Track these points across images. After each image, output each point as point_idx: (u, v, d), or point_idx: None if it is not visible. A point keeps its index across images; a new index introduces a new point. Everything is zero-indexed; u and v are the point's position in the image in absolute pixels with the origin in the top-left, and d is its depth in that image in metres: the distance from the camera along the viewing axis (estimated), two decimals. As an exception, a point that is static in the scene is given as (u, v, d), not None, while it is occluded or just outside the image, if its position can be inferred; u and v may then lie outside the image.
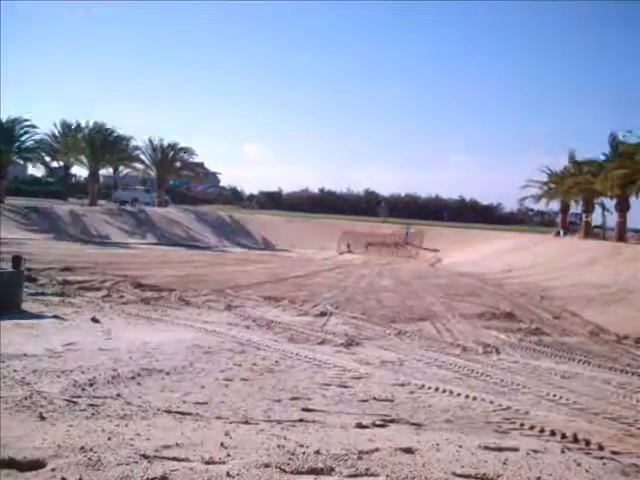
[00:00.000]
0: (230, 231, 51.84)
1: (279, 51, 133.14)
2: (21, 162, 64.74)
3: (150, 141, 63.52)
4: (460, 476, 4.94)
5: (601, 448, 6.52)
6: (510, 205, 79.44)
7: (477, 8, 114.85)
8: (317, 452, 5.23)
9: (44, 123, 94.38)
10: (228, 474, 4.52)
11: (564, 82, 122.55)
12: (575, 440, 6.78)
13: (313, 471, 4.82)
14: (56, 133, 63.12)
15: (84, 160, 60.96)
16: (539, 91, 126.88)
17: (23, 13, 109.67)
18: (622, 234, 44.16)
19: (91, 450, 4.86)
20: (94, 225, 47.50)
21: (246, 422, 6.68)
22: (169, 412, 6.97)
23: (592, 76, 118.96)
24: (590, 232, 49.37)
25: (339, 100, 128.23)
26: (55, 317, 13.22)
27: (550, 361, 11.80)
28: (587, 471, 5.34)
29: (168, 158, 63.76)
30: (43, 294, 16.26)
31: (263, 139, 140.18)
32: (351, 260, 38.61)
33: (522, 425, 7.35)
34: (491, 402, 8.40)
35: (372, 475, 4.84)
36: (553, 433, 7.02)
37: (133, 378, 8.55)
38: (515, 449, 5.93)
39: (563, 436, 6.90)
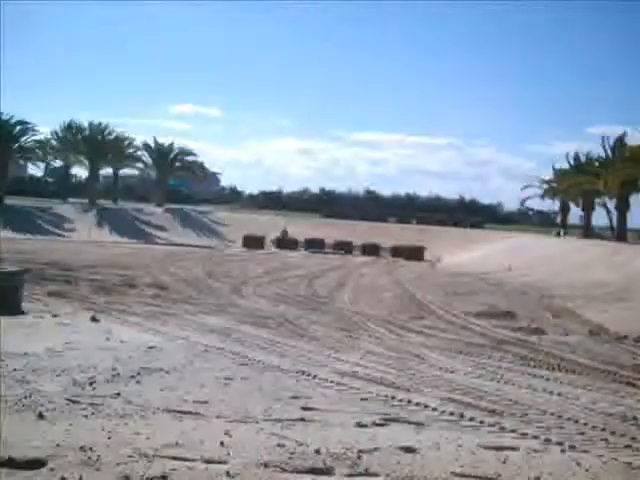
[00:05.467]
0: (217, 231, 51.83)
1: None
2: (21, 162, 64.78)
3: (148, 142, 63.56)
4: (460, 475, 4.94)
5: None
6: (510, 205, 79.39)
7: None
8: (317, 451, 5.22)
9: (45, 124, 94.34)
10: (228, 473, 4.52)
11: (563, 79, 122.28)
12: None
13: (313, 470, 4.82)
14: (56, 133, 62.95)
15: (84, 160, 60.99)
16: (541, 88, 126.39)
17: (23, 13, 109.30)
18: (622, 234, 44.14)
19: (91, 449, 4.86)
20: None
21: (246, 421, 6.68)
22: (169, 411, 6.97)
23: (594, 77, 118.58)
24: (590, 232, 49.38)
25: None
26: (55, 316, 13.22)
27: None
28: (587, 470, 5.33)
29: (168, 158, 63.73)
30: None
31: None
32: (350, 259, 38.60)
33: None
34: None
35: (372, 474, 4.84)
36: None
37: (133, 377, 8.55)
38: (515, 448, 5.93)
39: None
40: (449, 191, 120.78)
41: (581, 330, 15.64)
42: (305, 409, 7.47)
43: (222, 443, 5.34)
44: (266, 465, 4.80)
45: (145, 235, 48.42)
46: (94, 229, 47.04)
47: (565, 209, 54.73)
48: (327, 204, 70.26)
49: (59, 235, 44.53)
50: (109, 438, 5.32)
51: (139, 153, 64.17)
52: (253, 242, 43.79)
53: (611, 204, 47.30)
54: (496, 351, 12.39)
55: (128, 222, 50.97)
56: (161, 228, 50.92)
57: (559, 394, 9.02)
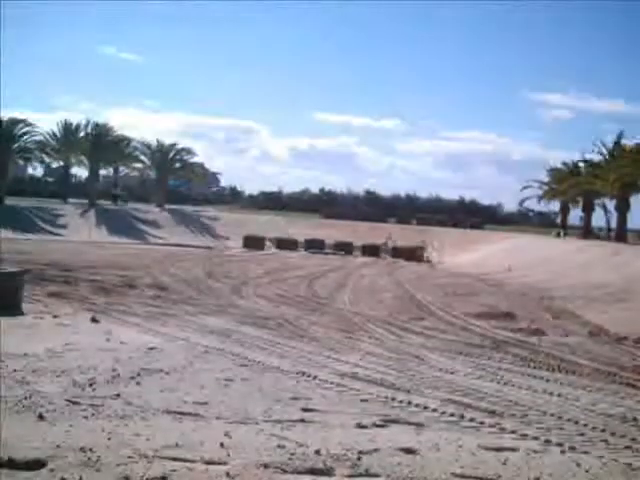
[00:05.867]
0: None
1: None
2: (21, 162, 64.78)
3: (146, 142, 63.61)
4: (460, 476, 4.93)
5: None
6: (510, 205, 79.38)
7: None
8: (317, 452, 5.22)
9: (45, 123, 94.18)
10: (228, 474, 4.52)
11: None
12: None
13: (313, 471, 4.82)
14: (56, 133, 62.94)
15: (84, 160, 60.99)
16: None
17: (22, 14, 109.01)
18: (622, 234, 44.13)
19: (91, 450, 4.85)
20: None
21: (246, 422, 6.68)
22: (169, 412, 6.97)
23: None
24: (590, 232, 49.38)
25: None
26: (55, 317, 13.22)
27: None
28: (587, 471, 5.33)
29: (168, 158, 63.72)
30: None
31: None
32: (350, 260, 38.60)
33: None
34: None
35: (372, 475, 4.83)
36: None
37: (133, 378, 8.55)
38: (514, 449, 5.93)
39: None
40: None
41: (581, 331, 15.65)
42: (305, 410, 7.47)
43: (222, 444, 5.34)
44: (266, 466, 4.80)
45: (144, 235, 48.44)
46: (93, 230, 47.12)
47: (565, 210, 54.76)
48: (327, 204, 70.20)
49: (58, 235, 44.57)
50: (109, 439, 5.32)
51: (138, 153, 64.23)
52: (253, 242, 43.81)
53: (611, 205, 47.40)
54: (496, 352, 12.40)
55: (127, 223, 51.02)
56: (160, 228, 50.93)
57: (559, 395, 9.03)
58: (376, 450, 5.44)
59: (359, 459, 5.12)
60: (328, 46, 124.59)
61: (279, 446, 5.39)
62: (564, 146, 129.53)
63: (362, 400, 8.22)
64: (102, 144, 59.59)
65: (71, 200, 58.70)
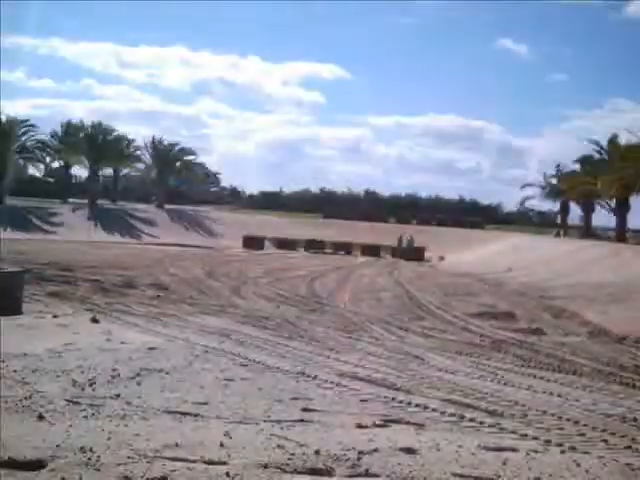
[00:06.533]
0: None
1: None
2: (21, 162, 64.83)
3: (150, 141, 63.59)
4: (460, 476, 4.93)
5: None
6: (510, 205, 79.40)
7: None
8: (317, 452, 5.22)
9: (44, 123, 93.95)
10: (228, 474, 4.51)
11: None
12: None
13: (313, 471, 4.82)
14: (57, 132, 62.96)
15: (84, 160, 61.05)
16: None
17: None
18: (622, 234, 44.15)
19: (91, 450, 4.85)
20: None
21: (246, 422, 6.68)
22: (169, 412, 6.97)
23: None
24: (590, 232, 49.43)
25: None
26: (55, 317, 13.23)
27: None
28: (587, 471, 5.32)
29: (168, 158, 63.73)
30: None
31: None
32: (350, 260, 38.62)
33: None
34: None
35: (372, 475, 4.83)
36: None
37: (133, 378, 8.55)
38: (515, 449, 5.93)
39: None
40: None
41: (581, 331, 15.65)
42: (305, 410, 7.47)
43: (222, 444, 5.34)
44: (266, 466, 4.80)
45: (143, 235, 48.60)
46: (93, 229, 47.24)
47: (565, 209, 54.83)
48: (327, 204, 70.20)
49: (58, 235, 44.63)
50: (109, 439, 5.31)
51: (139, 152, 64.32)
52: (253, 242, 43.80)
53: (612, 204, 47.38)
54: (496, 352, 12.40)
55: (127, 223, 51.18)
56: (160, 228, 51.09)
57: (559, 395, 9.03)
58: (376, 450, 5.43)
59: (359, 459, 5.12)
60: (328, 46, 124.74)
61: (279, 446, 5.39)
62: (568, 146, 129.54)
63: (362, 400, 8.21)
64: (102, 144, 59.67)
65: (71, 200, 58.74)
